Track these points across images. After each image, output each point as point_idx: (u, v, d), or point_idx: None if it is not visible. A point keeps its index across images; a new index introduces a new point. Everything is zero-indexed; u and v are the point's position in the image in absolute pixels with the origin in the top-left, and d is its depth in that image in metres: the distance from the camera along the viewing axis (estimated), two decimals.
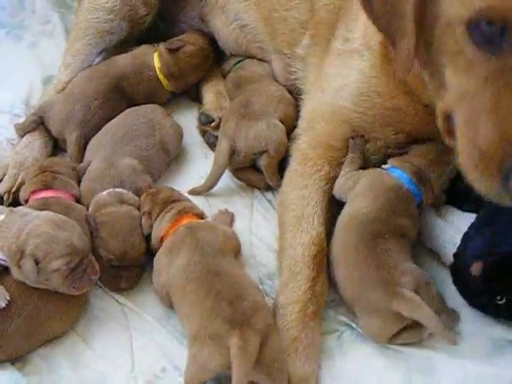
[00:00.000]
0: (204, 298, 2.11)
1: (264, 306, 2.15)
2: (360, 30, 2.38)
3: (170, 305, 2.27)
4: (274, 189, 2.66)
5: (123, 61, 2.90)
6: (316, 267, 2.27)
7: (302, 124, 2.55)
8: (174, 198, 2.43)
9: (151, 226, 2.39)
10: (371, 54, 2.33)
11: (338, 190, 2.40)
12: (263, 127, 2.62)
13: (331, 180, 2.41)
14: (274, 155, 2.60)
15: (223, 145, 2.62)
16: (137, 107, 2.78)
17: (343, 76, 2.40)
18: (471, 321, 2.27)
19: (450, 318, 2.22)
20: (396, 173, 2.37)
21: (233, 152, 2.61)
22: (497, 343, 2.22)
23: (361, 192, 2.33)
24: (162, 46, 2.92)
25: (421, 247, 2.40)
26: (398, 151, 2.42)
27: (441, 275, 2.34)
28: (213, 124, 2.83)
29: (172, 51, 2.90)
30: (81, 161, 2.66)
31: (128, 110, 2.76)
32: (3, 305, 2.10)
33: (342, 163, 2.40)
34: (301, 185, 2.41)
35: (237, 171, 2.68)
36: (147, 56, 2.91)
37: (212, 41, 3.05)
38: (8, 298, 2.11)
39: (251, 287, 2.19)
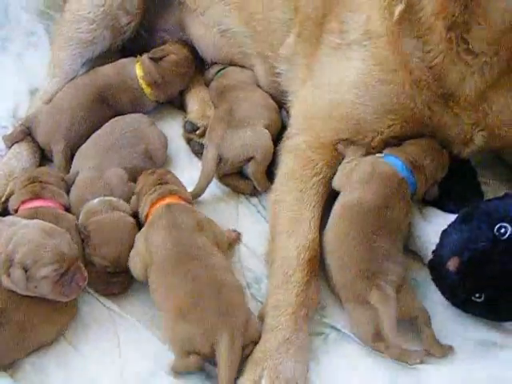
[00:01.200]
0: (183, 281, 2.19)
1: (239, 289, 2.25)
2: (359, 20, 2.41)
3: (143, 279, 2.32)
4: (259, 194, 2.69)
5: (106, 71, 2.93)
6: (310, 271, 2.30)
7: (296, 123, 2.55)
8: (161, 181, 2.50)
9: (138, 206, 2.47)
10: (375, 43, 2.37)
11: (335, 180, 2.43)
12: (249, 134, 2.64)
13: (328, 183, 2.44)
14: (261, 162, 2.62)
15: (210, 153, 2.64)
16: (122, 117, 2.80)
17: (343, 69, 2.43)
18: (455, 323, 2.31)
19: (426, 332, 2.24)
20: (391, 160, 2.41)
21: (220, 160, 2.63)
22: (481, 345, 2.26)
23: (356, 180, 2.37)
24: (144, 56, 2.95)
25: (405, 249, 2.41)
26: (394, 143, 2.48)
27: (423, 277, 2.39)
28: (198, 132, 2.85)
29: (155, 60, 2.93)
30: (68, 170, 2.69)
31: (113, 120, 2.78)
32: None
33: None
34: (299, 187, 2.42)
35: (223, 177, 2.70)
36: (129, 65, 2.94)
37: (193, 50, 3.07)
38: None
39: (223, 270, 2.26)
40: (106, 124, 2.77)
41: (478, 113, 2.38)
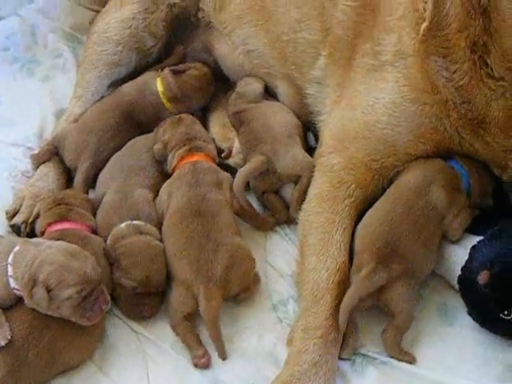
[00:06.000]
0: (182, 233, 2.41)
1: (228, 243, 2.39)
2: (391, 40, 2.42)
3: (160, 221, 2.53)
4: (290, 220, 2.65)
5: (128, 90, 2.96)
6: (339, 294, 2.28)
7: (329, 142, 2.53)
8: (190, 136, 2.69)
9: (163, 155, 2.68)
10: (404, 64, 2.38)
11: None
12: (299, 152, 2.64)
13: (360, 206, 2.44)
14: (307, 182, 2.56)
15: (258, 156, 2.63)
16: (139, 138, 2.82)
17: (377, 91, 2.44)
18: (484, 346, 2.29)
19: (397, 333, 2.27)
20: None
21: (266, 172, 2.63)
22: (509, 370, 2.24)
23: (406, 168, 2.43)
24: (166, 70, 2.96)
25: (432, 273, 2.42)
26: None
27: (453, 302, 2.39)
28: (223, 154, 2.85)
29: (177, 73, 2.95)
30: (86, 190, 2.71)
31: (133, 140, 2.81)
32: (2, 343, 2.12)
33: (374, 185, 2.44)
34: (332, 209, 2.42)
35: (264, 194, 2.68)
36: (150, 81, 2.96)
37: (213, 71, 3.09)
38: (9, 337, 2.14)
39: (225, 226, 2.44)
40: (125, 146, 2.79)
41: (509, 139, 2.35)
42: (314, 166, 2.57)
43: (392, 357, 2.25)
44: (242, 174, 2.61)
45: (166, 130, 2.73)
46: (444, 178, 2.39)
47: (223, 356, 2.28)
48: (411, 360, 2.25)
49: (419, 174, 2.39)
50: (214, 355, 2.29)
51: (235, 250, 2.38)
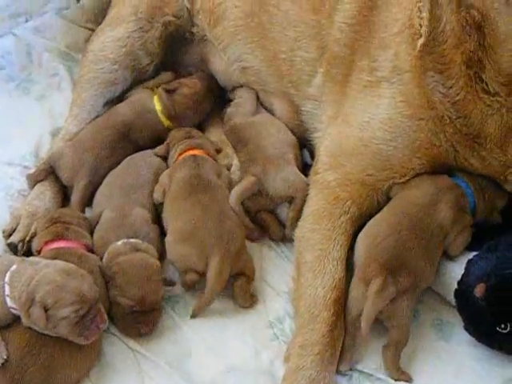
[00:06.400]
0: (193, 207, 2.49)
1: (240, 227, 2.52)
2: (388, 56, 2.44)
3: (160, 200, 2.62)
4: (285, 239, 2.66)
5: (123, 110, 2.96)
6: (336, 311, 2.29)
7: (325, 159, 2.55)
8: (190, 135, 2.84)
9: (166, 152, 2.80)
10: (401, 80, 2.40)
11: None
12: (291, 172, 2.64)
13: (356, 223, 2.45)
14: (301, 204, 2.57)
15: (249, 177, 2.64)
16: (136, 155, 2.82)
17: (373, 107, 2.46)
18: (481, 361, 2.30)
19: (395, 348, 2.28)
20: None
21: (258, 193, 2.63)
22: (507, 383, 2.25)
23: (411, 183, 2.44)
24: (161, 89, 2.98)
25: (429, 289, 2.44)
26: None
27: (449, 318, 2.41)
28: None
29: (168, 92, 2.96)
30: (83, 208, 2.71)
31: (130, 157, 2.81)
32: None
33: (369, 201, 2.46)
34: (328, 225, 2.43)
35: (259, 212, 2.68)
36: (147, 100, 2.97)
37: (216, 84, 3.11)
38: (5, 357, 2.13)
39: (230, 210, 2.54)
40: (122, 163, 2.79)
41: (506, 154, 2.38)
42: (307, 186, 2.58)
43: (390, 376, 2.26)
44: (233, 195, 2.61)
45: (170, 135, 2.85)
46: (451, 198, 2.41)
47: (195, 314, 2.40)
48: (407, 379, 2.25)
49: (426, 190, 2.41)
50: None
51: (243, 239, 2.50)
